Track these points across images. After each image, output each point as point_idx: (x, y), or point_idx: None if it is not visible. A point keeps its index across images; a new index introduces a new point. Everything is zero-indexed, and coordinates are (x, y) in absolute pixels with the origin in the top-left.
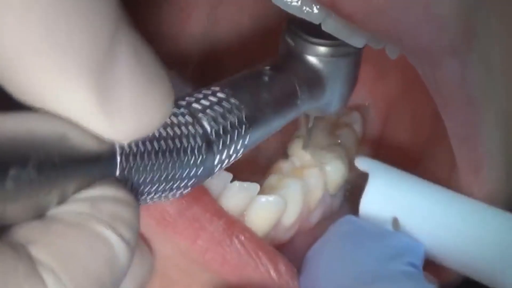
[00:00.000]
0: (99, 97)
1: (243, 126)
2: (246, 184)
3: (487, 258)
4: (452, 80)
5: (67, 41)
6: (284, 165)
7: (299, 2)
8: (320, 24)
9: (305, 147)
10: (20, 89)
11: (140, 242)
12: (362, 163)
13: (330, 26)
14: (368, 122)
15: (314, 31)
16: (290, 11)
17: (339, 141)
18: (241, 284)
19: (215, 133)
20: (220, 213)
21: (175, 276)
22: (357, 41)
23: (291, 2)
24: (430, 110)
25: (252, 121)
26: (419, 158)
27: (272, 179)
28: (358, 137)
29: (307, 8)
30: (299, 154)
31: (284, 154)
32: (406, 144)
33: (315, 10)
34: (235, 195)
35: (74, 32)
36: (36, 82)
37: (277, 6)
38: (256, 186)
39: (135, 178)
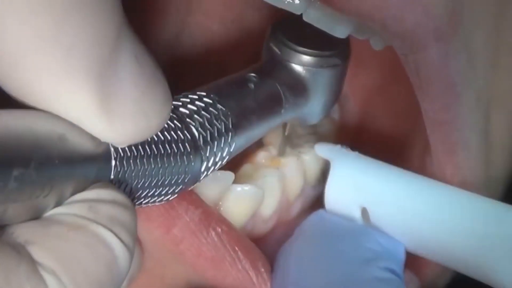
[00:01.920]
0: (101, 100)
1: (230, 133)
2: (219, 173)
3: (463, 245)
4: (433, 64)
5: (72, 43)
6: (260, 155)
7: None
8: (306, 32)
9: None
10: (20, 89)
11: None
12: (322, 150)
13: (312, 16)
14: (347, 112)
15: (299, 39)
16: (271, 2)
17: (317, 130)
18: (218, 280)
19: (202, 140)
20: (197, 202)
21: (148, 264)
22: (340, 32)
23: None
24: (408, 100)
25: (238, 129)
26: (399, 147)
27: (247, 168)
28: (336, 126)
29: None
30: (276, 143)
31: (259, 143)
32: (385, 133)
33: (297, 0)
34: (209, 185)
35: (79, 35)
36: (39, 82)
37: (248, 11)
38: (230, 175)
39: (128, 183)
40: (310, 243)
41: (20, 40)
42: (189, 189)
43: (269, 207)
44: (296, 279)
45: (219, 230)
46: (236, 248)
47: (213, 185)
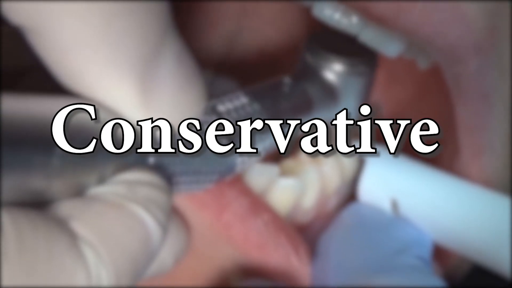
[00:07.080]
0: (141, 93)
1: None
2: (265, 167)
3: (483, 239)
4: (470, 76)
5: (118, 41)
6: (300, 152)
7: (339, 15)
8: (338, 42)
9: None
10: (70, 78)
11: (177, 219)
12: None
13: (367, 36)
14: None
15: (331, 48)
16: (331, 23)
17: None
18: (262, 262)
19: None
20: (246, 191)
21: (200, 246)
22: (392, 50)
23: (332, 15)
24: (439, 111)
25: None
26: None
27: (288, 163)
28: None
29: (347, 20)
30: None
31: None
32: None
33: (354, 21)
34: (256, 177)
35: (125, 35)
36: (86, 73)
37: (302, 19)
38: (275, 169)
39: (165, 168)
40: (348, 232)
41: (72, 35)
42: (240, 177)
43: (309, 200)
44: (337, 264)
45: (266, 218)
46: (280, 235)
47: (260, 177)
